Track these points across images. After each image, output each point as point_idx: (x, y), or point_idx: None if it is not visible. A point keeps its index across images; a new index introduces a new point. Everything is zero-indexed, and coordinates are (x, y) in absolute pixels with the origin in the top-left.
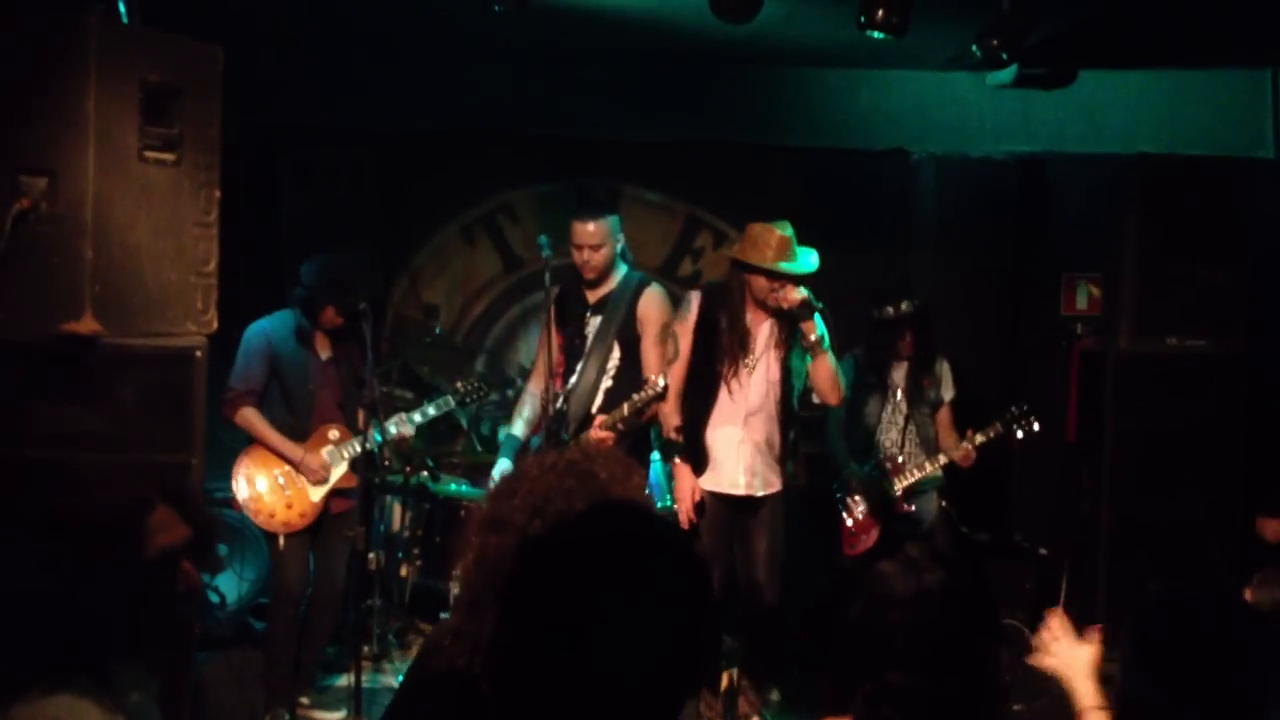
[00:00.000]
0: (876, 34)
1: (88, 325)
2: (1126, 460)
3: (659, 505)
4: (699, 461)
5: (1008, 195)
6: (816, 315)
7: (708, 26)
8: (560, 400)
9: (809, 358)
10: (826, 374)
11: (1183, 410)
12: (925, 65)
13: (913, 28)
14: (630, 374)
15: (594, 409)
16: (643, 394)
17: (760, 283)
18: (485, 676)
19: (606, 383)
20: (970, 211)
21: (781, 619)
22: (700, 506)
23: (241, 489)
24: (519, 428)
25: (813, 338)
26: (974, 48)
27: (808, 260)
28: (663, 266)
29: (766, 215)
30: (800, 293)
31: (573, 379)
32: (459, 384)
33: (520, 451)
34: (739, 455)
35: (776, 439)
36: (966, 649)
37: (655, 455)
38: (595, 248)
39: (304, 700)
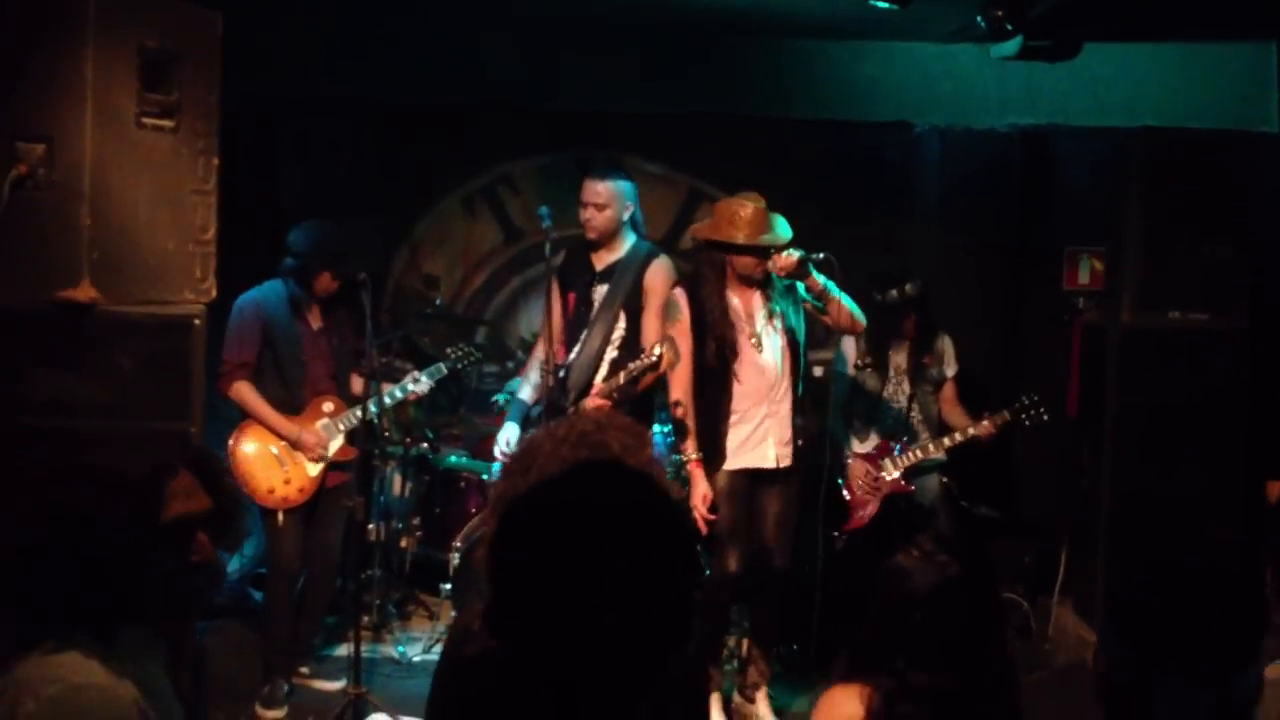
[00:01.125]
0: (880, 4)
1: (85, 292)
2: (1128, 435)
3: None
4: (724, 454)
5: (1011, 168)
6: (810, 266)
7: None
8: (562, 369)
9: (821, 305)
10: (844, 314)
11: (1185, 385)
12: (929, 37)
13: None
14: (635, 344)
15: (598, 378)
16: (639, 362)
17: (745, 261)
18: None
19: (611, 352)
20: (973, 184)
21: (792, 586)
22: (714, 508)
23: (238, 464)
24: (526, 392)
25: (818, 288)
26: (978, 19)
27: (783, 226)
28: (664, 239)
29: (769, 187)
30: (793, 255)
31: (576, 347)
32: (450, 350)
33: (525, 417)
34: (767, 431)
35: (792, 408)
36: (982, 642)
37: (656, 426)
38: (599, 207)
39: (303, 670)
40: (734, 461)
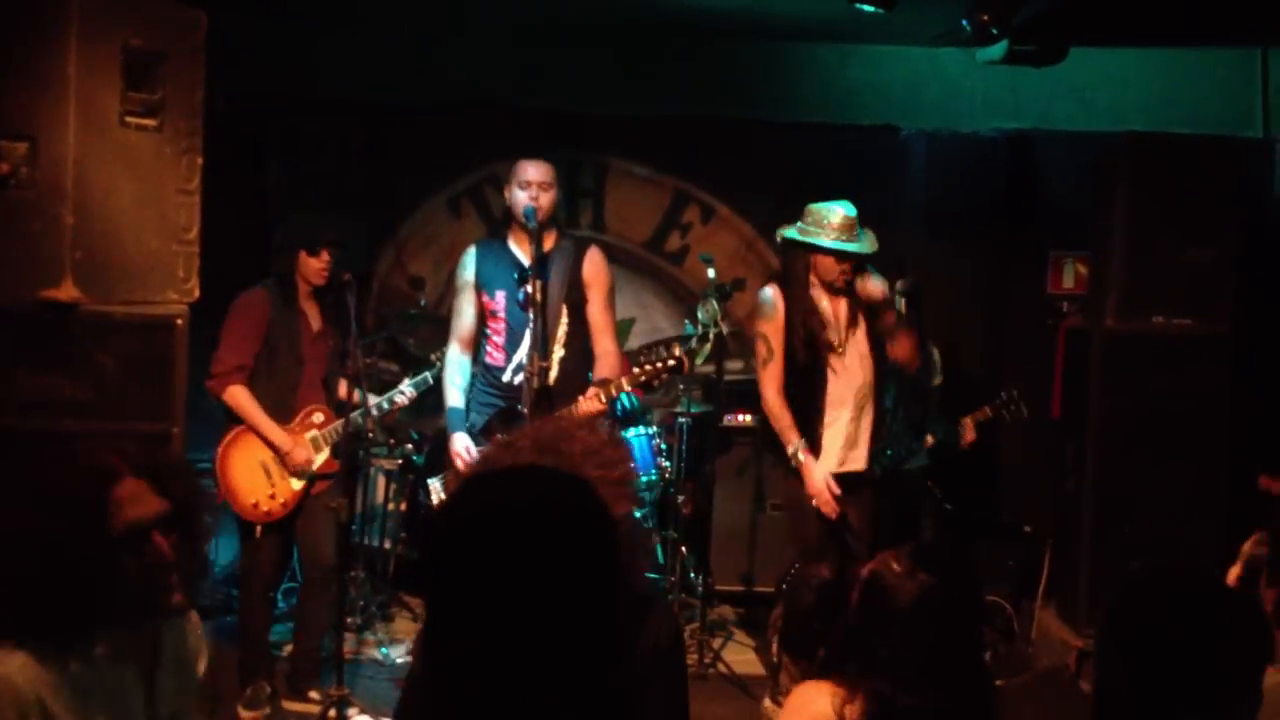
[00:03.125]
0: (867, 8)
1: (68, 292)
2: (1111, 439)
3: (642, 479)
4: (819, 452)
5: (996, 172)
6: (896, 303)
7: (698, 0)
8: (511, 372)
9: (888, 338)
10: (906, 351)
11: (1168, 389)
12: (915, 41)
13: (903, 3)
14: (579, 339)
15: (550, 380)
16: (657, 365)
17: (827, 263)
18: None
19: (558, 351)
20: (959, 188)
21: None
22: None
23: (225, 476)
24: (457, 399)
25: (889, 325)
26: (964, 23)
27: (869, 240)
28: (650, 240)
29: (755, 190)
30: (879, 286)
31: (523, 350)
32: (434, 356)
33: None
34: (857, 435)
35: (877, 415)
36: (961, 661)
37: (638, 429)
38: (545, 187)
39: (313, 695)
40: (826, 462)
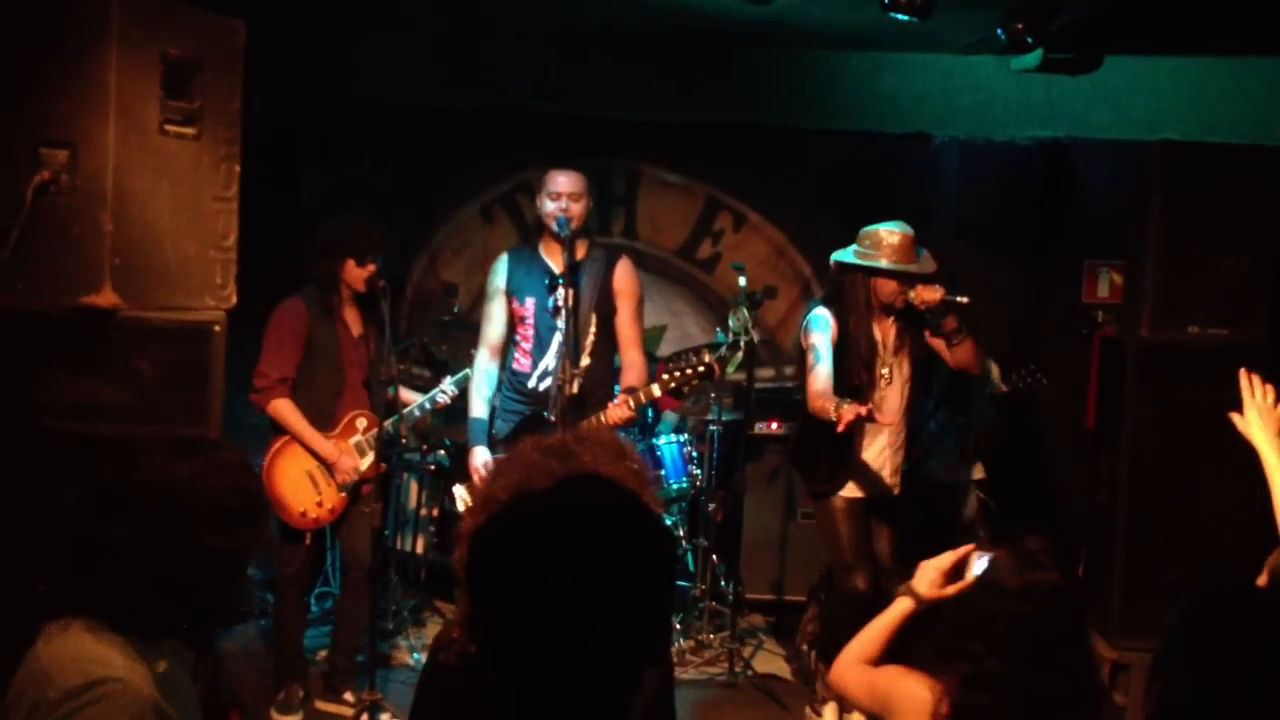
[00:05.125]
0: (900, 16)
1: (107, 298)
2: (1145, 449)
3: (674, 486)
4: (846, 479)
5: (1030, 180)
6: (953, 306)
7: (731, 7)
8: (537, 378)
9: (951, 342)
10: (966, 355)
11: (1203, 399)
12: (948, 49)
13: (936, 10)
14: (607, 350)
15: (574, 388)
16: (690, 371)
17: (890, 286)
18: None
19: (585, 359)
20: (992, 196)
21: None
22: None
23: (273, 487)
24: (481, 409)
25: (952, 327)
26: (999, 32)
27: (926, 259)
28: (681, 247)
29: (786, 198)
30: (938, 290)
31: (549, 357)
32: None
33: (490, 437)
34: (885, 460)
35: (908, 440)
36: (1068, 648)
37: (669, 436)
38: (576, 197)
39: (348, 696)
40: (854, 489)
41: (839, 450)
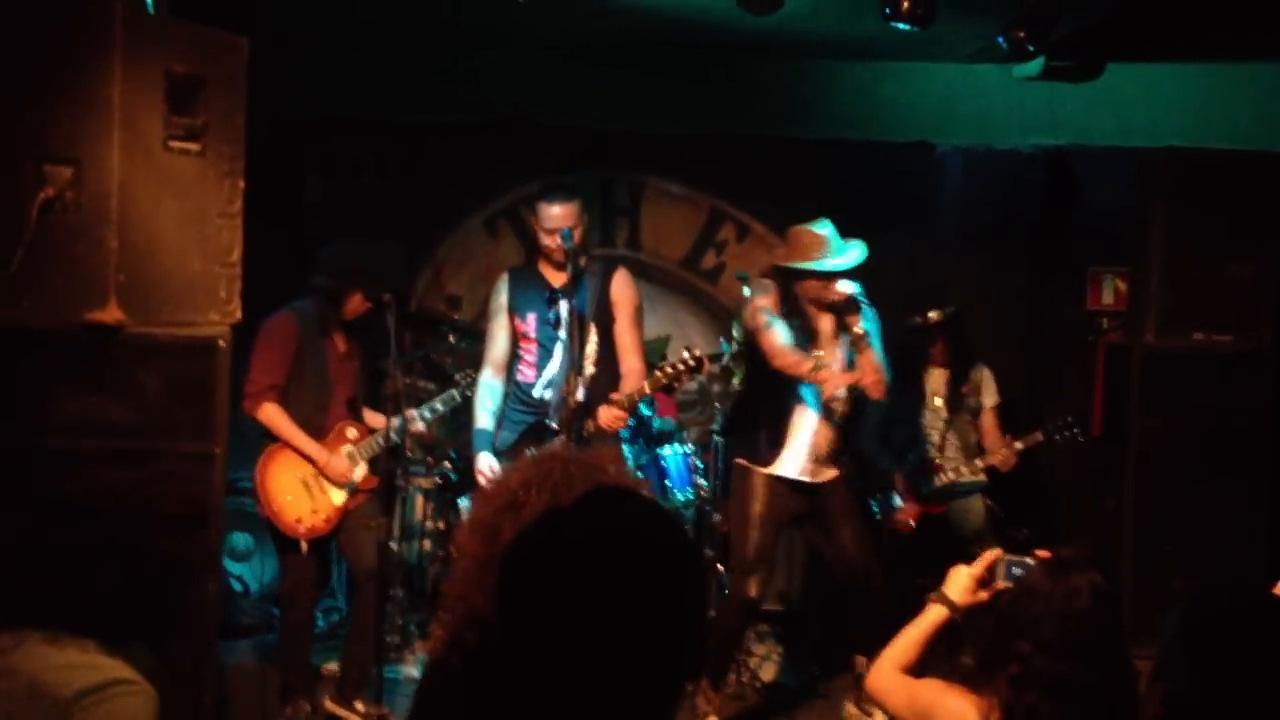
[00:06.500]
0: (902, 25)
1: (111, 314)
2: (1151, 456)
3: (680, 497)
4: (772, 459)
5: (1033, 188)
6: (864, 308)
7: (733, 18)
8: (541, 388)
9: (853, 352)
10: (871, 368)
11: (1209, 406)
12: (950, 57)
13: (938, 19)
14: (608, 358)
15: (578, 397)
16: (679, 366)
17: (812, 284)
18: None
19: (589, 369)
20: (995, 204)
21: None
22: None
23: (266, 493)
24: (485, 420)
25: (858, 330)
26: (1000, 40)
27: (852, 253)
28: (685, 258)
29: (790, 208)
30: (848, 287)
31: (552, 367)
32: (458, 377)
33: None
34: (811, 445)
35: (839, 430)
36: (1112, 644)
37: (674, 447)
38: (572, 225)
39: (359, 706)
40: (785, 466)
41: (779, 423)
